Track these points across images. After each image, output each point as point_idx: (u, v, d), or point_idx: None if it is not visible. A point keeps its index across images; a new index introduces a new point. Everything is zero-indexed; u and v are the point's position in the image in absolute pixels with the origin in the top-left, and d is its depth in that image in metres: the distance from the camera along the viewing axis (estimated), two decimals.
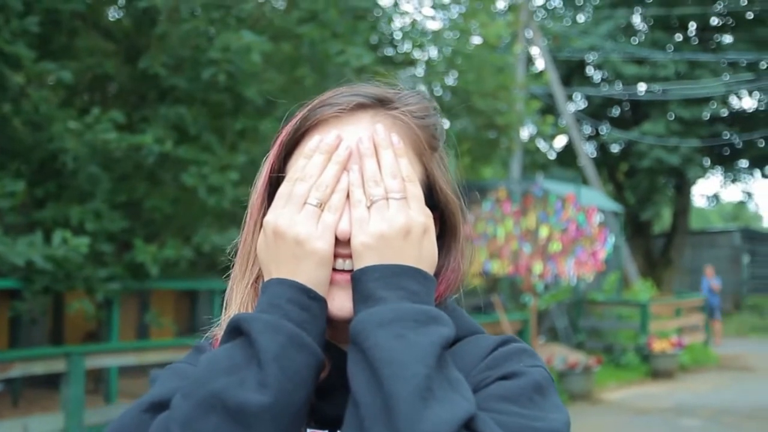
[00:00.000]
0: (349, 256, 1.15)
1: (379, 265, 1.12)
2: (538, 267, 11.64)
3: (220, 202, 7.47)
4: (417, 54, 15.79)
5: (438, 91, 15.59)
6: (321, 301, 1.14)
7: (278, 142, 1.25)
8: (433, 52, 15.66)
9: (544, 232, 11.74)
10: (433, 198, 1.25)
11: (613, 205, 19.55)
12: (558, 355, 12.53)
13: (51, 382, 7.68)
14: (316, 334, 1.12)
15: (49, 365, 6.06)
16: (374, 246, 1.12)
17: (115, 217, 7.16)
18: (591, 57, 26.82)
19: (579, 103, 28.69)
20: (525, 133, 20.55)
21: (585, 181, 20.70)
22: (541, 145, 26.61)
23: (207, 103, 8.31)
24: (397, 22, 13.45)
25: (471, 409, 1.02)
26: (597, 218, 12.35)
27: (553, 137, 25.76)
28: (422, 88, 15.55)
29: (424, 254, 1.15)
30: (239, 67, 7.37)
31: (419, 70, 15.84)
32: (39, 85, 7.51)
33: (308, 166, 1.18)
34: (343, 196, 1.17)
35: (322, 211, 1.16)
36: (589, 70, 28.39)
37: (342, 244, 1.16)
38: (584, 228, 11.85)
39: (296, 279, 1.13)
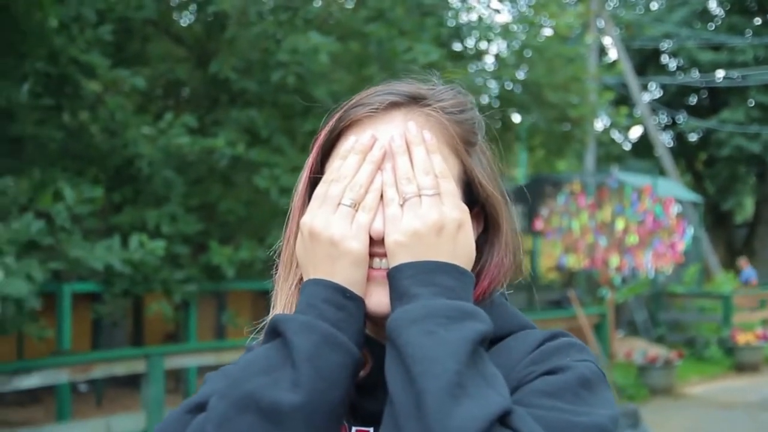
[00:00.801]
0: (386, 255, 1.14)
1: (412, 262, 1.11)
2: (614, 260, 11.45)
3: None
4: (486, 48, 15.70)
5: (508, 85, 15.46)
6: (357, 300, 1.14)
7: (316, 143, 1.26)
8: (502, 45, 15.55)
9: (620, 224, 11.54)
10: (472, 193, 1.23)
11: (691, 196, 19.12)
12: (638, 349, 12.32)
13: (132, 383, 7.85)
14: (353, 332, 1.12)
15: (129, 366, 6.20)
16: (407, 243, 1.12)
17: (190, 220, 7.28)
18: (666, 45, 26.29)
19: (654, 92, 28.13)
20: (599, 124, 20.25)
21: (662, 172, 20.28)
22: (616, 136, 26.18)
23: (277, 104, 8.39)
24: (465, 17, 13.37)
25: (505, 405, 1.00)
26: (675, 209, 12.09)
27: (628, 128, 25.34)
28: (492, 82, 15.46)
29: (459, 250, 1.14)
30: (308, 68, 7.42)
31: (489, 65, 15.74)
32: (115, 92, 7.69)
33: (343, 167, 1.18)
34: (377, 196, 1.17)
35: (357, 211, 1.16)
36: (664, 59, 27.82)
37: (378, 243, 1.15)
38: (662, 219, 11.61)
39: (333, 279, 1.13)
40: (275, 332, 1.11)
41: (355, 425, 1.20)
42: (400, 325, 1.05)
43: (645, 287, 14.30)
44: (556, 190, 12.37)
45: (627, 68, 20.20)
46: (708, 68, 24.99)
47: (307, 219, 1.17)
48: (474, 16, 13.44)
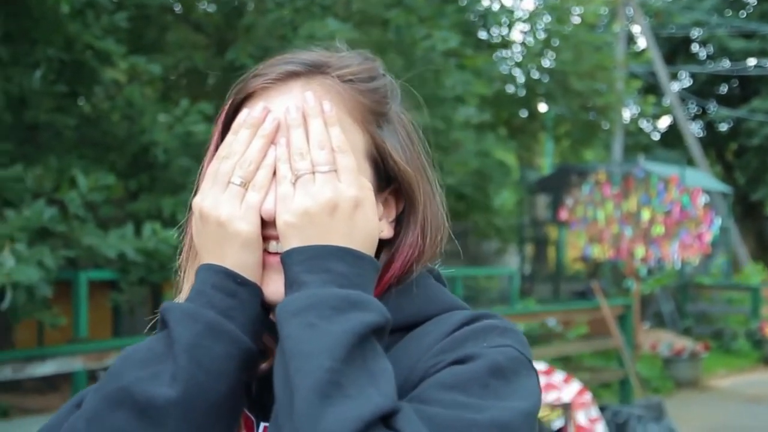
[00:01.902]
0: None
1: (304, 246, 1.02)
2: (640, 251, 11.30)
3: None
4: (513, 36, 15.57)
5: (534, 73, 15.33)
6: (250, 286, 1.06)
7: (219, 118, 1.17)
8: (528, 33, 15.41)
9: (646, 214, 11.39)
10: (387, 170, 1.14)
11: (720, 186, 18.87)
12: (663, 341, 12.18)
13: None
14: (245, 321, 1.04)
15: None
16: (298, 225, 1.03)
17: None
18: (696, 33, 25.93)
19: (684, 81, 27.78)
20: (626, 114, 20.04)
21: (691, 162, 20.04)
22: (644, 126, 25.91)
23: None
24: (488, 4, 13.25)
25: (386, 405, 0.91)
26: (702, 200, 11.91)
27: (656, 118, 25.06)
28: (517, 71, 15.33)
29: (356, 232, 1.04)
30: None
31: (515, 53, 15.62)
32: (136, 79, 7.67)
33: (234, 142, 1.09)
34: (269, 173, 1.08)
35: (247, 190, 1.06)
36: (694, 47, 27.45)
37: (272, 225, 1.06)
38: (689, 210, 11.44)
39: (223, 263, 1.05)
40: (163, 321, 1.03)
41: (264, 421, 1.12)
42: (282, 317, 0.97)
43: (671, 278, 14.15)
44: (582, 180, 12.23)
45: (656, 56, 19.95)
46: (739, 57, 24.64)
47: (197, 200, 1.10)
48: (498, 5, 13.31)
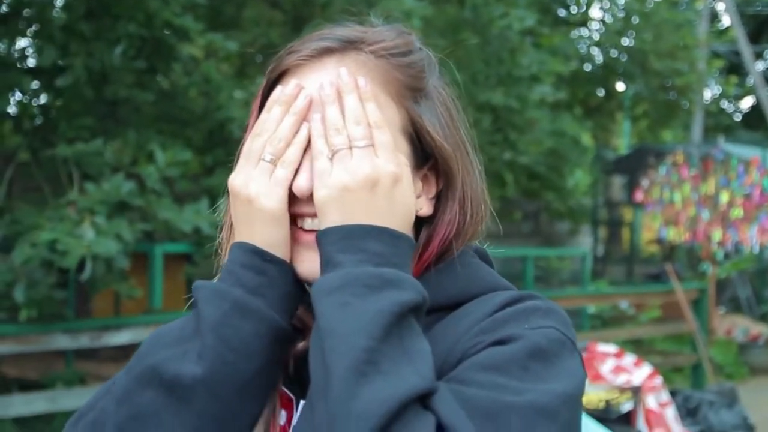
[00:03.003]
0: (316, 215, 1.06)
1: (339, 226, 1.01)
2: (717, 234, 11.08)
3: None
4: (591, 14, 15.32)
5: (613, 52, 15.07)
6: (279, 264, 1.06)
7: (255, 98, 1.18)
8: (608, 11, 15.15)
9: (724, 197, 11.15)
10: (423, 146, 1.12)
11: None
12: (739, 327, 11.93)
13: None
14: (275, 298, 1.05)
15: None
16: (336, 199, 1.02)
17: None
18: None
19: None
20: (707, 94, 19.57)
21: None
22: (726, 106, 25.26)
23: None
24: None
25: (422, 385, 0.91)
26: None
27: (738, 98, 24.41)
28: (595, 49, 15.08)
29: (396, 208, 1.04)
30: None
31: (593, 32, 15.37)
32: (212, 56, 7.78)
33: (267, 120, 1.09)
34: (300, 149, 1.08)
35: (276, 167, 1.07)
36: None
37: (306, 202, 1.07)
38: None
39: (252, 241, 1.06)
40: (194, 301, 1.05)
41: (304, 399, 1.11)
42: (317, 296, 0.97)
43: (749, 263, 13.84)
44: (659, 161, 12.01)
45: (740, 35, 19.39)
46: None
47: (231, 177, 1.11)
48: None
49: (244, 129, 1.19)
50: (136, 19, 6.25)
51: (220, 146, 7.58)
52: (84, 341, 5.59)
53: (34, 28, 6.52)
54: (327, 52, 1.11)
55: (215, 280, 1.11)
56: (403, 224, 1.05)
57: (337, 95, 1.07)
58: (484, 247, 1.22)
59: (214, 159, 7.50)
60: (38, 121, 6.89)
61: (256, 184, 1.07)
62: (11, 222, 5.58)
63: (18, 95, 6.58)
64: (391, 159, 1.05)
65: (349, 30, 1.14)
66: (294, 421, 1.12)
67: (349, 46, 1.11)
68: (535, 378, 0.97)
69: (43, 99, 6.92)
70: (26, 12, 6.49)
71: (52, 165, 6.02)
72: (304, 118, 1.08)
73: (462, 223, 1.14)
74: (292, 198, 1.08)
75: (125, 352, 8.27)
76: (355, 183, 1.02)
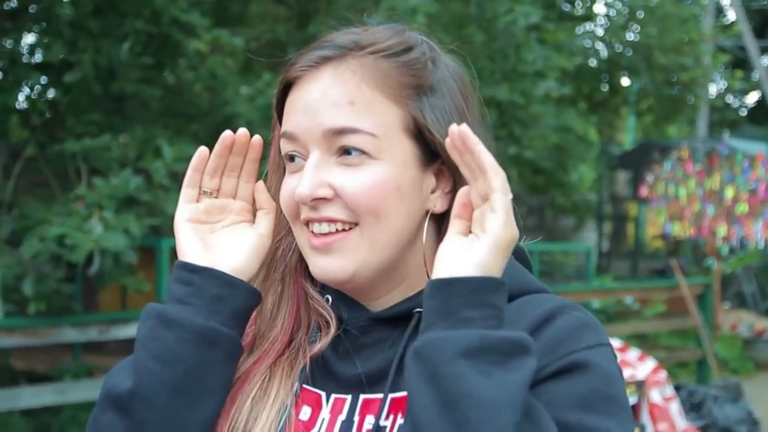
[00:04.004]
0: (326, 220, 1.10)
1: (466, 278, 0.98)
2: (722, 229, 11.08)
3: None
4: (596, 9, 15.32)
5: (618, 47, 15.07)
6: (203, 271, 1.12)
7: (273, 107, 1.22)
8: (613, 5, 15.15)
9: (729, 192, 11.14)
10: (426, 141, 1.13)
11: None
12: (744, 322, 11.94)
13: None
14: (204, 304, 1.11)
15: None
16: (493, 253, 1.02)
17: None
18: None
19: None
20: (712, 89, 19.56)
21: None
22: (731, 101, 25.23)
23: None
24: None
25: None
26: None
27: (744, 93, 24.37)
28: (599, 44, 15.08)
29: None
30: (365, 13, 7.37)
31: (597, 27, 15.37)
32: (218, 51, 7.81)
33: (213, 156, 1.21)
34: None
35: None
36: None
37: (313, 209, 1.11)
38: None
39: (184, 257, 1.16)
40: None
41: (334, 393, 1.15)
42: (447, 355, 0.94)
43: (754, 258, 13.82)
44: (664, 156, 12.01)
45: (745, 30, 19.37)
46: None
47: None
48: None
49: (269, 141, 1.23)
50: (143, 15, 6.29)
51: None
52: (92, 334, 5.64)
53: (41, 24, 6.56)
54: (324, 60, 1.12)
55: None
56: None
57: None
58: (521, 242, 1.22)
59: None
60: (46, 116, 6.93)
61: (196, 210, 1.21)
62: (19, 216, 5.63)
63: (26, 90, 6.63)
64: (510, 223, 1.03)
65: (347, 35, 1.15)
66: (322, 414, 1.15)
67: (344, 51, 1.12)
68: (616, 407, 1.02)
69: (50, 94, 6.96)
70: (33, 8, 6.53)
71: (60, 160, 6.07)
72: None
73: None
74: (301, 205, 1.12)
75: (132, 345, 8.35)
76: (505, 243, 1.02)
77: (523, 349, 0.96)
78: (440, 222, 1.16)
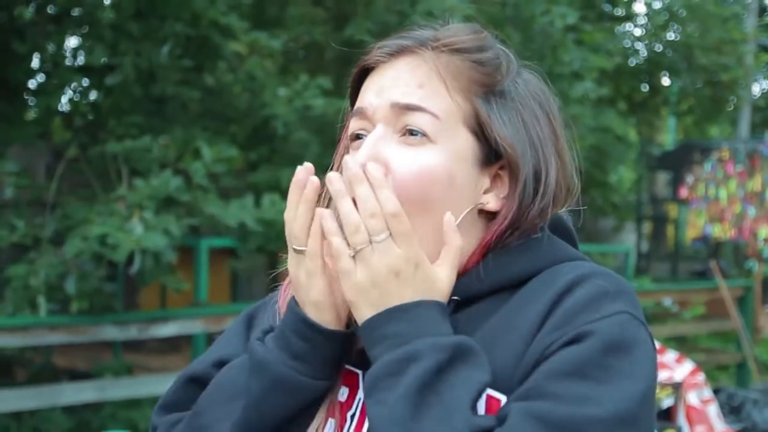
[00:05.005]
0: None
1: (364, 323, 1.08)
2: (763, 231, 10.96)
3: None
4: (636, 9, 15.21)
5: (658, 47, 14.93)
6: (325, 332, 1.12)
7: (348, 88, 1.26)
8: (655, 5, 15.03)
9: None
10: (488, 141, 1.16)
11: None
12: None
13: None
14: (318, 362, 1.14)
15: None
16: (365, 296, 1.07)
17: (323, 180, 7.42)
18: None
19: None
20: (755, 88, 19.30)
21: None
22: None
23: None
24: None
25: None
26: None
27: None
28: (639, 44, 14.96)
29: (421, 286, 1.08)
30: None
31: (637, 28, 15.25)
32: (257, 53, 7.88)
33: (289, 207, 1.14)
34: (317, 240, 1.12)
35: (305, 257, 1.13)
36: None
37: None
38: None
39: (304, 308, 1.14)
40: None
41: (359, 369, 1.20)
42: (366, 394, 1.06)
43: None
44: (705, 157, 11.90)
45: None
46: None
47: (289, 261, 1.17)
48: None
49: (340, 130, 1.27)
50: (183, 18, 6.37)
51: (264, 143, 7.69)
52: (132, 332, 5.73)
53: (84, 28, 6.67)
54: (402, 50, 1.17)
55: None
56: (427, 294, 1.09)
57: (344, 189, 1.08)
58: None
59: (258, 155, 7.61)
60: (88, 118, 7.05)
61: (296, 272, 1.13)
62: (62, 217, 5.74)
63: (69, 93, 6.75)
64: (412, 245, 1.08)
65: (426, 29, 1.21)
66: (359, 395, 1.19)
67: (422, 43, 1.17)
68: (615, 376, 1.00)
69: (92, 96, 7.08)
70: (76, 11, 6.65)
71: (101, 161, 6.17)
72: (315, 202, 1.12)
73: (515, 221, 1.16)
74: None
75: (170, 344, 8.44)
76: (381, 277, 1.06)
77: (410, 359, 1.02)
78: (487, 221, 1.20)
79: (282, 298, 1.27)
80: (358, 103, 1.19)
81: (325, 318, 1.12)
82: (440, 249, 1.12)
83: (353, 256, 1.07)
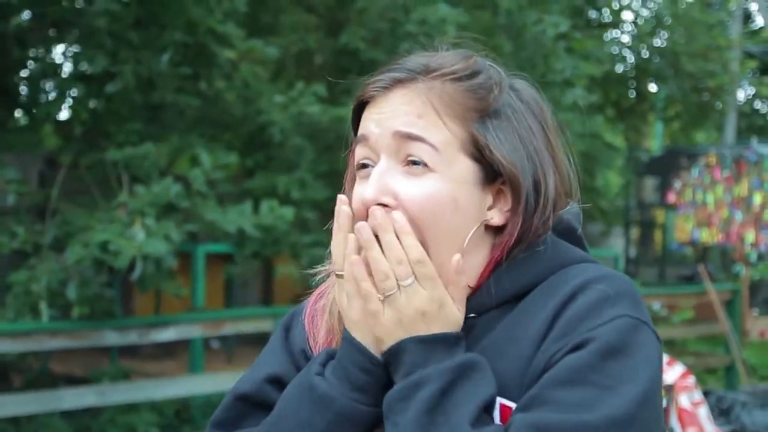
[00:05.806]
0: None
1: (385, 352, 1.17)
2: (750, 235, 11.06)
3: None
4: (624, 16, 15.33)
5: (645, 53, 15.07)
6: (381, 364, 1.19)
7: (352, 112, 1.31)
8: (640, 12, 15.16)
9: (757, 199, 11.12)
10: (486, 163, 1.21)
11: None
12: None
13: (262, 341, 8.13)
14: (378, 391, 1.19)
15: (257, 325, 6.48)
16: (392, 335, 1.16)
17: (318, 186, 7.47)
18: None
19: None
20: (741, 95, 19.47)
21: None
22: (760, 107, 25.09)
23: None
24: None
25: None
26: None
27: None
28: (626, 51, 15.09)
29: (445, 323, 1.16)
30: (435, 38, 7.44)
31: (624, 34, 15.38)
32: (250, 61, 7.93)
33: (335, 235, 1.23)
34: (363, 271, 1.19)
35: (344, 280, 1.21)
36: None
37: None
38: None
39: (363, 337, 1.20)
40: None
41: None
42: (384, 417, 1.15)
43: None
44: (692, 163, 12.01)
45: None
46: None
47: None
48: None
49: (347, 155, 1.32)
50: (180, 26, 6.43)
51: (260, 149, 7.74)
52: (132, 338, 5.79)
53: (84, 36, 6.71)
54: (395, 82, 1.21)
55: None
56: (447, 327, 1.17)
57: (373, 237, 1.16)
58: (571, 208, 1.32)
59: (254, 162, 7.67)
60: (88, 124, 7.09)
61: (339, 295, 1.22)
62: (62, 223, 5.79)
63: (69, 101, 6.79)
64: (436, 287, 1.16)
65: (417, 59, 1.24)
66: None
67: (414, 75, 1.21)
68: (614, 380, 1.05)
69: (91, 104, 7.12)
70: (76, 21, 6.69)
71: (101, 168, 6.22)
72: (350, 229, 1.20)
73: (520, 235, 1.22)
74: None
75: (165, 349, 8.48)
76: (408, 318, 1.15)
77: (417, 386, 1.11)
78: (494, 236, 1.25)
79: (308, 316, 1.37)
80: (361, 130, 1.24)
81: (367, 339, 1.19)
82: (450, 267, 1.18)
83: (382, 300, 1.16)
